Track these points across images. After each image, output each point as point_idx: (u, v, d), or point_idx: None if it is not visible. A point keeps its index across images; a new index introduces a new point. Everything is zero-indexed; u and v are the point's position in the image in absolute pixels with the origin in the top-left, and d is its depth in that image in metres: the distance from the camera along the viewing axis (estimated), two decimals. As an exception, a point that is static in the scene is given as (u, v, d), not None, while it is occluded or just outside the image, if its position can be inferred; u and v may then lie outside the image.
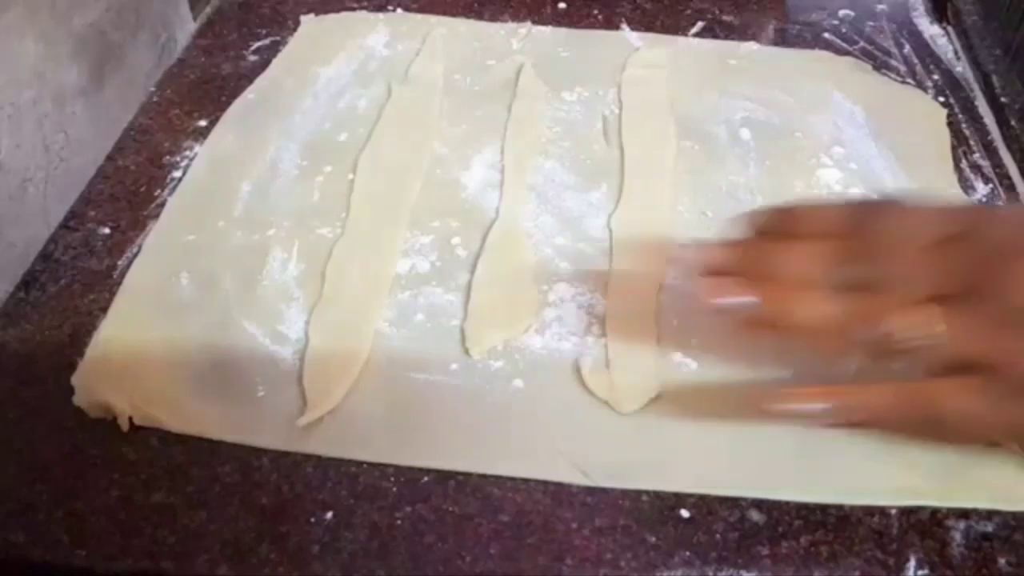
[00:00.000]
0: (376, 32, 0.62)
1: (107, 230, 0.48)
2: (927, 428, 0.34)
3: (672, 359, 0.42)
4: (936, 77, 0.60)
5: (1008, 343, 0.31)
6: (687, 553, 0.35)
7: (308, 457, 0.38)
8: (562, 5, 0.66)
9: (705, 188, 0.51)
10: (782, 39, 0.63)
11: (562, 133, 0.55)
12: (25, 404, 0.40)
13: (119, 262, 0.46)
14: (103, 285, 0.45)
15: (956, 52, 0.62)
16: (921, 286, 0.32)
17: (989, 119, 0.57)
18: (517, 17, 0.64)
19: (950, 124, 0.56)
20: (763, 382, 0.41)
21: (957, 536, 0.36)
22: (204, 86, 0.58)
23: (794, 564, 0.35)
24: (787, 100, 0.57)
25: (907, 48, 0.63)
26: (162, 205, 0.49)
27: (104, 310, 0.43)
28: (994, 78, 0.58)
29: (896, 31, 0.64)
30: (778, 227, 0.36)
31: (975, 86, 0.59)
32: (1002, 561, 0.35)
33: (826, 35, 0.64)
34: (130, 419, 0.39)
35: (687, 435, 0.39)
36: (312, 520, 0.36)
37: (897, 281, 0.33)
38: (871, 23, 0.65)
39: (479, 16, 0.64)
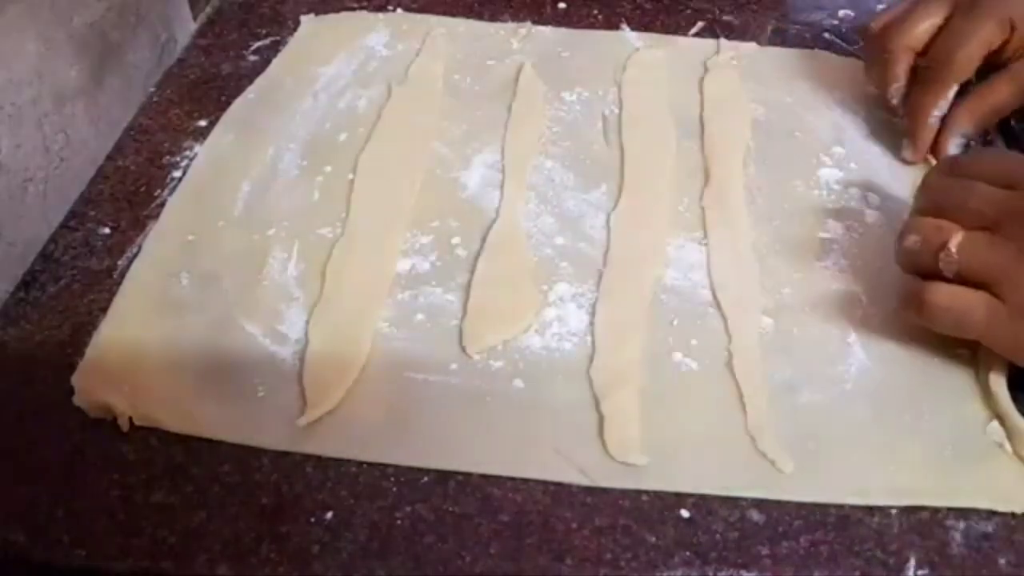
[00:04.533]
0: (376, 32, 0.62)
1: (107, 230, 0.48)
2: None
3: (672, 359, 0.42)
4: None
5: (1014, 274, 0.37)
6: (687, 553, 0.35)
7: (308, 457, 0.38)
8: (562, 5, 0.66)
9: (705, 188, 0.51)
10: (782, 39, 0.63)
11: (562, 133, 0.55)
12: (25, 404, 0.40)
13: (119, 262, 0.46)
14: (103, 285, 0.45)
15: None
16: (976, 218, 0.39)
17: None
18: (517, 17, 0.64)
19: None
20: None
21: (957, 536, 0.36)
22: (204, 86, 0.58)
23: (794, 564, 0.35)
24: (787, 100, 0.57)
25: (907, 48, 0.62)
26: (162, 205, 0.49)
27: (104, 310, 0.43)
28: (994, 78, 0.58)
29: (896, 31, 0.64)
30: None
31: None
32: (1002, 561, 0.35)
33: (826, 35, 0.64)
34: (130, 419, 0.39)
35: (687, 435, 0.39)
36: (312, 520, 0.36)
37: (961, 211, 0.40)
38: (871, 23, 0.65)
39: (479, 16, 0.64)
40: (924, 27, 0.51)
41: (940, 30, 0.51)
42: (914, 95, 0.51)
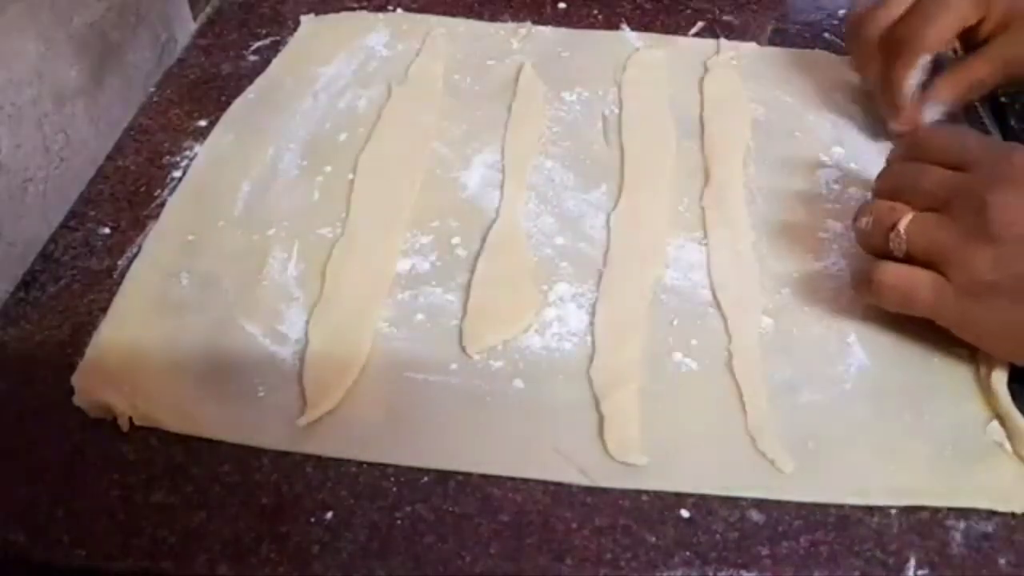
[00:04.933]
0: (376, 32, 0.62)
1: (107, 230, 0.48)
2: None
3: (672, 359, 0.42)
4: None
5: (961, 253, 0.39)
6: (687, 553, 0.35)
7: (308, 457, 0.38)
8: (562, 5, 0.66)
9: (704, 188, 0.51)
10: (782, 39, 0.63)
11: (562, 133, 0.55)
12: (25, 404, 0.40)
13: (119, 262, 0.46)
14: (103, 285, 0.45)
15: (955, 52, 0.62)
16: (927, 199, 0.41)
17: (989, 119, 0.57)
18: (517, 17, 0.64)
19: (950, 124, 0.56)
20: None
21: (957, 536, 0.36)
22: (204, 86, 0.58)
23: (794, 564, 0.35)
24: (787, 100, 0.57)
25: (907, 48, 0.62)
26: (162, 205, 0.49)
27: (104, 310, 0.43)
28: (994, 78, 0.58)
29: (896, 31, 0.64)
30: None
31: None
32: (1002, 561, 0.35)
33: (826, 35, 0.64)
34: (130, 419, 0.39)
35: (687, 435, 0.39)
36: (312, 520, 0.36)
37: (914, 193, 0.42)
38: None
39: (479, 16, 0.64)
40: (901, 7, 0.51)
41: (910, 10, 0.51)
42: (886, 69, 0.52)
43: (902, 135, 0.51)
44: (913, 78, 0.51)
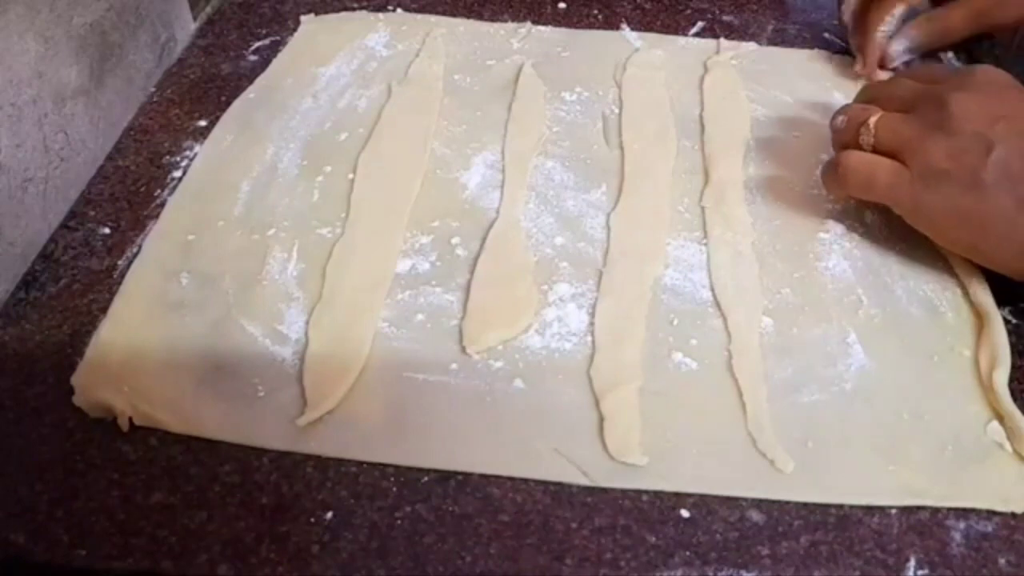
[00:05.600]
0: (376, 32, 0.62)
1: (107, 230, 0.48)
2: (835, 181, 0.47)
3: (672, 359, 0.42)
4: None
5: (920, 143, 0.43)
6: (687, 553, 0.35)
7: (308, 457, 0.38)
8: (562, 5, 0.66)
9: (704, 188, 0.51)
10: (782, 39, 0.64)
11: (562, 133, 0.55)
12: (25, 404, 0.40)
13: (119, 262, 0.46)
14: (103, 285, 0.45)
15: (956, 51, 0.62)
16: (897, 103, 0.46)
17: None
18: (517, 17, 0.64)
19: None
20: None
21: (957, 536, 0.36)
22: (204, 86, 0.58)
23: (794, 564, 0.35)
24: (787, 100, 0.57)
25: (907, 48, 0.62)
26: (162, 205, 0.49)
27: (104, 310, 0.43)
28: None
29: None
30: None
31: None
32: (1002, 561, 0.35)
33: (826, 35, 0.64)
34: (130, 419, 0.39)
35: (687, 435, 0.39)
36: (312, 520, 0.36)
37: (887, 100, 0.47)
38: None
39: (479, 16, 0.65)
40: None
41: None
42: (864, 13, 0.57)
43: (867, 77, 0.57)
44: (886, 25, 0.55)
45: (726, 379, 0.41)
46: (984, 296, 0.44)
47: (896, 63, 0.56)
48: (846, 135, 0.46)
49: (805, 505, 0.37)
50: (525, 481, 0.37)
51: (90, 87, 0.52)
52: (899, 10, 0.55)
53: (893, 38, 0.55)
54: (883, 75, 0.56)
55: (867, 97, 0.49)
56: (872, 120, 0.45)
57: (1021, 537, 0.36)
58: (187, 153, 0.53)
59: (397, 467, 0.38)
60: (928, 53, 0.57)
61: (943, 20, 0.55)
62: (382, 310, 0.44)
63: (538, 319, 0.43)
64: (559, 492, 0.37)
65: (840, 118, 0.47)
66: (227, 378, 0.41)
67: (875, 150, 0.45)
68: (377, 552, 0.35)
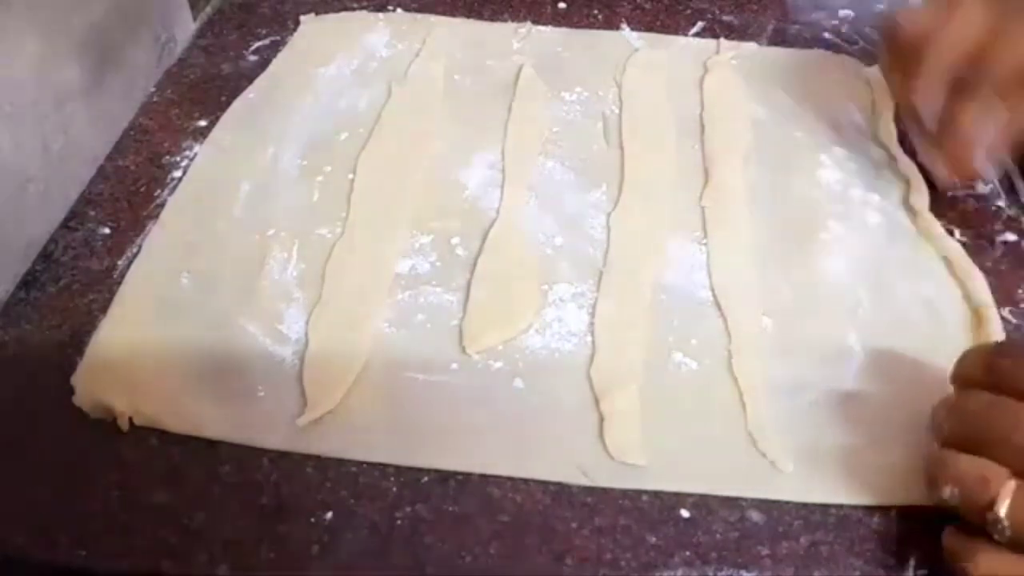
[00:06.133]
0: (376, 32, 0.62)
1: (107, 230, 0.48)
2: None
3: (672, 359, 0.42)
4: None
5: None
6: (687, 553, 0.35)
7: (308, 457, 0.38)
8: (562, 5, 0.66)
9: (704, 188, 0.51)
10: (782, 39, 0.63)
11: (562, 133, 0.55)
12: (25, 404, 0.40)
13: (119, 262, 0.46)
14: (103, 285, 0.45)
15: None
16: None
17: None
18: (517, 17, 0.64)
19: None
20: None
21: (957, 536, 0.36)
22: (204, 86, 0.58)
23: (794, 564, 0.35)
24: (787, 100, 0.57)
25: (907, 48, 0.62)
26: (162, 205, 0.49)
27: (104, 310, 0.43)
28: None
29: (896, 31, 0.64)
30: None
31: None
32: (1002, 561, 0.35)
33: (826, 35, 0.64)
34: (130, 419, 0.39)
35: (687, 435, 0.39)
36: (312, 520, 0.36)
37: (1008, 448, 0.32)
38: (871, 23, 0.65)
39: (479, 16, 0.64)
40: (969, 35, 0.44)
41: (982, 40, 0.44)
42: (951, 111, 0.45)
43: (953, 193, 0.46)
44: (979, 125, 0.44)
45: (726, 379, 0.41)
46: (983, 296, 0.44)
47: (989, 184, 0.46)
48: (966, 514, 0.32)
49: (805, 505, 0.37)
50: (525, 481, 0.37)
51: (90, 87, 0.52)
52: (1000, 111, 0.43)
53: (988, 161, 0.45)
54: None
55: (967, 428, 0.34)
56: (1003, 508, 0.31)
57: (1021, 537, 0.36)
58: (187, 153, 0.53)
59: (397, 467, 0.38)
60: None
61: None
62: (382, 310, 0.44)
63: (538, 319, 0.43)
64: (559, 492, 0.37)
65: (949, 490, 0.33)
66: (227, 378, 0.41)
67: (1013, 543, 0.31)
68: (377, 552, 0.35)
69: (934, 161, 0.46)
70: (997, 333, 0.42)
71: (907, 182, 0.50)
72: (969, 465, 0.32)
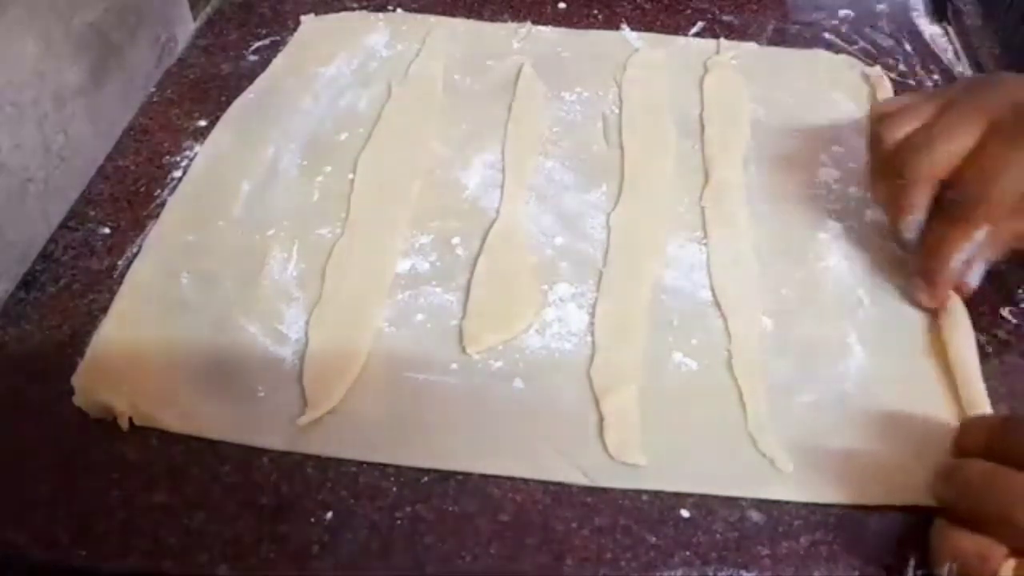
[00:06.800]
0: (376, 32, 0.62)
1: (107, 230, 0.48)
2: None
3: (672, 359, 0.42)
4: (936, 77, 0.60)
5: None
6: (687, 553, 0.35)
7: (308, 457, 0.38)
8: (562, 5, 0.66)
9: (704, 188, 0.51)
10: (782, 39, 0.63)
11: (562, 133, 0.55)
12: (25, 404, 0.40)
13: (119, 262, 0.46)
14: (103, 285, 0.45)
15: (956, 52, 0.62)
16: None
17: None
18: (517, 17, 0.64)
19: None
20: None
21: (957, 536, 0.36)
22: (204, 86, 0.58)
23: (794, 564, 0.35)
24: (787, 100, 0.57)
25: (907, 48, 0.62)
26: (162, 205, 0.49)
27: (104, 310, 0.43)
28: (994, 78, 0.58)
29: (896, 31, 0.64)
30: None
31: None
32: (1002, 561, 0.35)
33: (826, 35, 0.64)
34: (130, 419, 0.39)
35: (687, 435, 0.39)
36: (312, 520, 0.36)
37: (1006, 524, 0.32)
38: (871, 23, 0.65)
39: (479, 16, 0.64)
40: (952, 150, 0.42)
41: (973, 156, 0.42)
42: (937, 232, 0.43)
43: (935, 309, 0.44)
44: (967, 252, 0.42)
45: (726, 379, 0.41)
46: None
47: (973, 290, 0.43)
48: None
49: (805, 505, 0.37)
50: (525, 481, 0.37)
51: (90, 87, 0.52)
52: (981, 233, 0.41)
53: (972, 261, 0.42)
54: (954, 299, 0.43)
55: (967, 502, 0.33)
56: None
57: (1021, 537, 0.36)
58: (187, 153, 0.53)
59: (397, 467, 0.38)
60: None
61: (1015, 225, 0.42)
62: (382, 310, 0.44)
63: (538, 319, 0.43)
64: (559, 492, 0.37)
65: (948, 567, 0.32)
66: (227, 378, 0.41)
67: None
68: (377, 552, 0.35)
69: (915, 286, 0.44)
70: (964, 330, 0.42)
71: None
72: (969, 542, 0.32)
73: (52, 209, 0.48)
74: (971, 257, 0.42)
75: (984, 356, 0.42)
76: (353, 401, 0.40)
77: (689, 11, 0.66)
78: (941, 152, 0.42)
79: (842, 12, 0.66)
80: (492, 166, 0.52)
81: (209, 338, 0.42)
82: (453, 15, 0.64)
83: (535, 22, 0.64)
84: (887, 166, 0.44)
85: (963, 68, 0.61)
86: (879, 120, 0.46)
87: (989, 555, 0.31)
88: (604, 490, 0.37)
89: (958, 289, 0.43)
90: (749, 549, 0.35)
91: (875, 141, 0.46)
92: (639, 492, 0.37)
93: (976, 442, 0.35)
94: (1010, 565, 0.31)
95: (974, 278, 0.43)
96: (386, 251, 0.46)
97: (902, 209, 0.43)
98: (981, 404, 0.39)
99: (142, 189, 0.50)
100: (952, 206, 0.42)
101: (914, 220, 0.43)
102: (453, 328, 0.43)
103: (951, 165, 0.42)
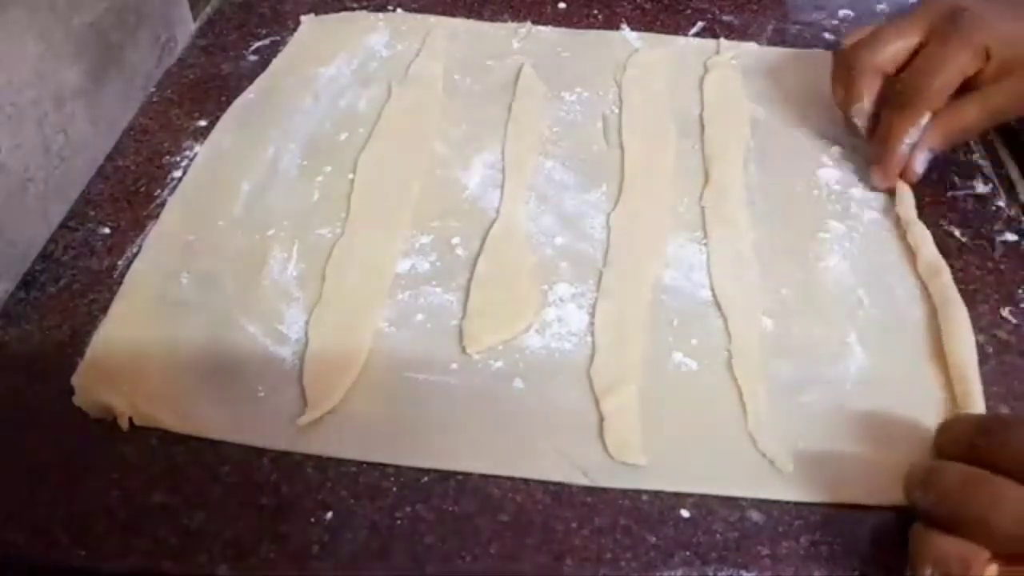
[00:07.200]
0: (376, 32, 0.62)
1: (107, 230, 0.48)
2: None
3: (672, 359, 0.42)
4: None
5: None
6: (687, 553, 0.35)
7: (308, 457, 0.38)
8: (562, 5, 0.66)
9: (704, 188, 0.51)
10: (782, 39, 0.64)
11: (562, 133, 0.55)
12: (25, 404, 0.40)
13: (119, 262, 0.46)
14: (103, 285, 0.45)
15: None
16: (1010, 542, 0.31)
17: (1000, 143, 0.56)
18: (517, 17, 0.64)
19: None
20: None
21: (957, 536, 0.36)
22: (204, 86, 0.58)
23: (794, 564, 0.35)
24: (787, 100, 0.57)
25: (907, 48, 0.62)
26: (162, 205, 0.49)
27: (104, 310, 0.43)
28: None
29: (896, 31, 0.64)
30: None
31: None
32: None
33: (826, 35, 0.64)
34: (130, 419, 0.39)
35: (687, 435, 0.39)
36: (312, 520, 0.36)
37: (986, 527, 0.31)
38: (871, 23, 0.64)
39: (479, 16, 0.65)
40: (895, 48, 0.49)
41: (914, 55, 0.49)
42: (885, 120, 0.49)
43: (886, 190, 0.50)
44: (912, 136, 0.48)
45: (726, 379, 0.41)
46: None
47: (918, 177, 0.49)
48: None
49: (805, 505, 0.37)
50: (525, 481, 0.37)
51: (90, 87, 0.52)
52: (925, 119, 0.48)
53: (916, 149, 0.49)
54: (903, 186, 0.49)
55: (947, 508, 0.33)
56: None
57: (1021, 537, 0.36)
58: (187, 153, 0.53)
59: (397, 467, 0.38)
60: None
61: (959, 120, 0.48)
62: (382, 310, 0.44)
63: (538, 319, 0.43)
64: (559, 492, 0.37)
65: (928, 571, 0.32)
66: (227, 378, 0.41)
67: None
68: (377, 552, 0.35)
69: (871, 172, 0.50)
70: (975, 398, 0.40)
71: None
72: (950, 546, 0.32)
73: (52, 209, 0.48)
74: (916, 144, 0.49)
75: (984, 356, 0.42)
76: (353, 401, 0.40)
77: (689, 11, 0.66)
78: (887, 48, 0.50)
79: (842, 12, 0.66)
80: (492, 166, 0.52)
81: (209, 338, 0.42)
82: (453, 15, 0.64)
83: (535, 22, 0.64)
84: (841, 65, 0.52)
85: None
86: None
87: (971, 559, 0.31)
88: (604, 490, 0.37)
89: (905, 174, 0.49)
90: (749, 549, 0.35)
91: (835, 52, 0.54)
92: (639, 492, 0.37)
93: (956, 442, 0.35)
94: (993, 569, 0.31)
95: (919, 164, 0.49)
96: (386, 251, 0.46)
97: (852, 97, 0.51)
98: (975, 404, 0.39)
99: (142, 189, 0.50)
100: (897, 96, 0.49)
101: (861, 107, 0.51)
102: (453, 328, 0.43)
103: (896, 60, 0.50)
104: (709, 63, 0.60)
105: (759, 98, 0.57)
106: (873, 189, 0.50)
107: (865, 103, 0.50)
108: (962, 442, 0.34)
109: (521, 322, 0.43)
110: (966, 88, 0.48)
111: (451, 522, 0.36)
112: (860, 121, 0.51)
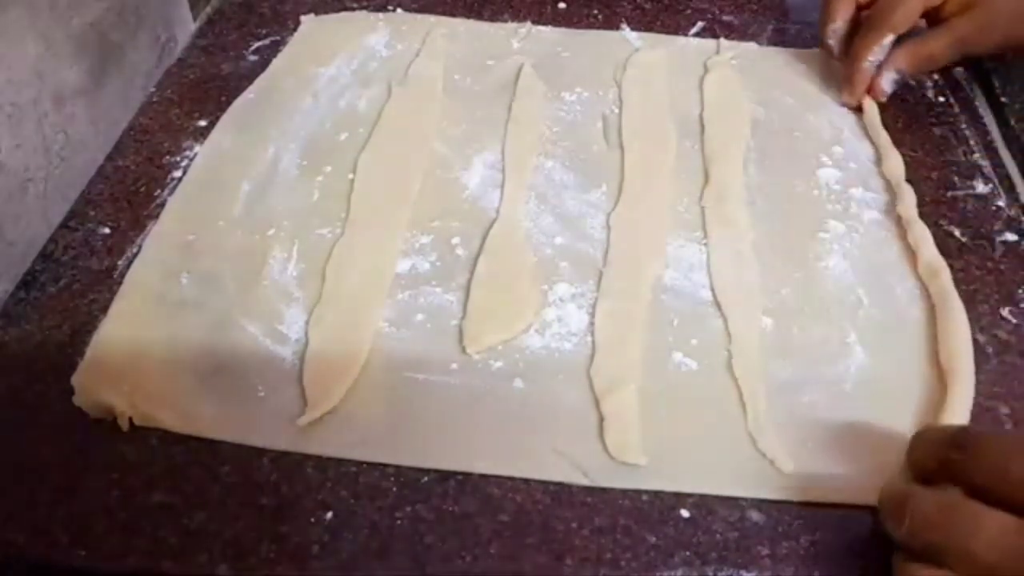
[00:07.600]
0: (376, 32, 0.62)
1: (107, 230, 0.48)
2: None
3: (672, 359, 0.42)
4: (936, 77, 0.60)
5: None
6: (687, 553, 0.35)
7: (308, 457, 0.38)
8: (562, 5, 0.66)
9: (704, 188, 0.51)
10: (782, 39, 0.63)
11: (562, 133, 0.55)
12: (25, 404, 0.40)
13: (119, 262, 0.46)
14: (103, 285, 0.45)
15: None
16: (982, 570, 0.30)
17: (989, 119, 0.57)
18: (517, 17, 0.64)
19: (950, 124, 0.56)
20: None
21: (957, 536, 0.36)
22: (204, 86, 0.58)
23: (794, 564, 0.35)
24: (787, 100, 0.57)
25: (907, 48, 0.62)
26: (162, 205, 0.49)
27: (104, 310, 0.43)
28: (994, 78, 0.58)
29: (896, 31, 0.64)
30: None
31: (975, 86, 0.60)
32: (1002, 561, 0.35)
33: (826, 35, 0.64)
34: (130, 419, 0.39)
35: (687, 435, 0.39)
36: (312, 520, 0.36)
37: (960, 554, 0.31)
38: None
39: (479, 16, 0.64)
40: None
41: None
42: (854, 41, 0.55)
43: (852, 107, 0.56)
44: (874, 55, 0.54)
45: (726, 379, 0.41)
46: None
47: (885, 95, 0.55)
48: None
49: (805, 505, 0.37)
50: (525, 481, 0.37)
51: (90, 87, 0.52)
52: (888, 39, 0.54)
53: (882, 67, 0.54)
54: (869, 103, 0.55)
55: (923, 534, 0.32)
56: None
57: (1021, 537, 0.36)
58: (187, 153, 0.53)
59: (397, 467, 0.38)
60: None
61: (926, 47, 0.54)
62: (382, 310, 0.44)
63: (538, 319, 0.43)
64: (559, 492, 0.37)
65: None
66: (227, 378, 0.41)
67: None
68: (377, 552, 0.35)
69: (841, 90, 0.56)
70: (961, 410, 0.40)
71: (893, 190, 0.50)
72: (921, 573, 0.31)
73: (52, 209, 0.48)
74: (883, 64, 0.54)
75: (984, 356, 0.42)
76: (353, 401, 0.40)
77: (689, 11, 0.66)
78: None
79: (842, 12, 0.66)
80: (492, 166, 0.52)
81: (209, 338, 0.42)
82: (453, 15, 0.64)
83: (535, 22, 0.64)
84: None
85: (963, 68, 0.61)
86: None
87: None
88: (604, 490, 0.37)
89: (872, 91, 0.55)
90: (749, 549, 0.35)
91: None
92: (639, 492, 0.37)
93: (929, 456, 0.34)
94: None
95: (887, 82, 0.55)
96: (386, 251, 0.46)
97: (826, 18, 0.57)
98: (962, 407, 0.39)
99: (142, 189, 0.50)
100: (865, 21, 0.55)
101: (833, 27, 0.56)
102: (453, 328, 0.43)
103: None
104: (709, 63, 0.60)
105: (759, 98, 0.57)
106: (845, 104, 0.56)
107: (838, 23, 0.56)
108: (935, 457, 0.33)
109: (521, 322, 0.43)
110: (935, 21, 0.54)
111: (451, 522, 0.36)
112: (833, 41, 0.57)
